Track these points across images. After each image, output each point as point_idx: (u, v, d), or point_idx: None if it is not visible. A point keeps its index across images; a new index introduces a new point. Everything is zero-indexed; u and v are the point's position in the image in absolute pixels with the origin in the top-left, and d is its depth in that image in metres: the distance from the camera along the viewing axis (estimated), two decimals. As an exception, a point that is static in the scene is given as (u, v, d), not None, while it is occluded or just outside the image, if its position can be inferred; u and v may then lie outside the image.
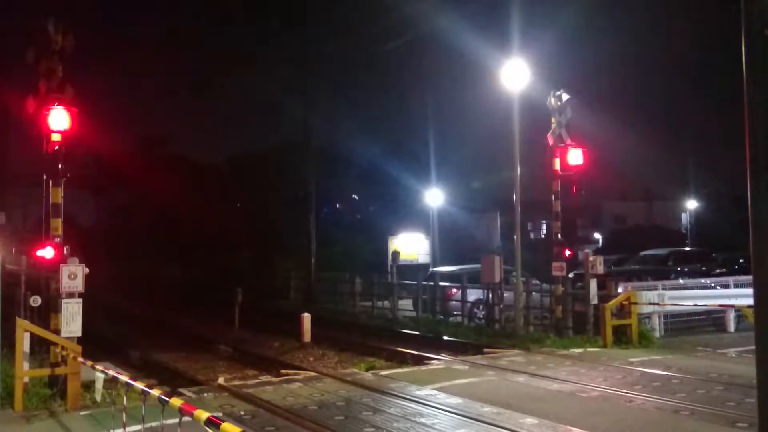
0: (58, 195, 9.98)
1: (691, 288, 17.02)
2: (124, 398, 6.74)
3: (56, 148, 9.86)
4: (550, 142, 14.99)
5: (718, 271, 24.27)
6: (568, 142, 14.84)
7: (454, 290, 20.18)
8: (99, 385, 8.82)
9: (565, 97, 15.12)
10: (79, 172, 10.14)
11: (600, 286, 14.79)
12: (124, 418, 6.58)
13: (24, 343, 8.92)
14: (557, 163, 14.84)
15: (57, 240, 9.89)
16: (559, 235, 15.14)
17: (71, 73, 10.24)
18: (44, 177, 10.01)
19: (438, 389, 9.61)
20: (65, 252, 9.88)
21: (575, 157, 14.72)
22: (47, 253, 9.83)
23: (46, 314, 10.13)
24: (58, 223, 9.97)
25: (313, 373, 11.55)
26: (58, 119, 9.77)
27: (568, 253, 15.16)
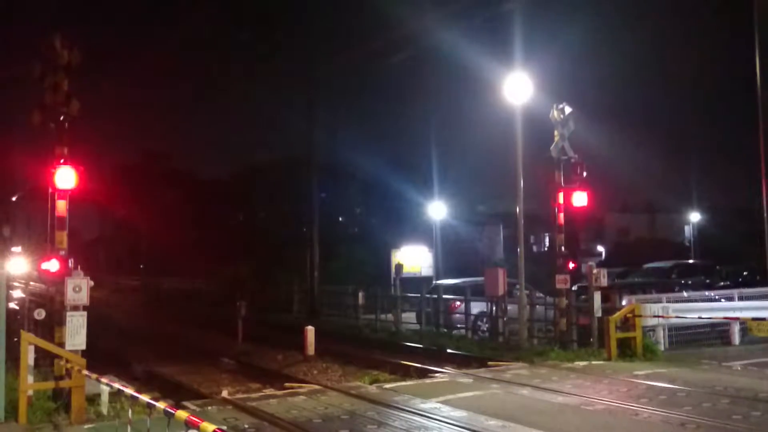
0: (63, 208, 10.02)
1: (696, 301, 16.97)
2: (129, 411, 6.73)
3: (62, 161, 9.93)
4: (554, 155, 15.03)
5: (722, 283, 24.21)
6: (571, 155, 14.87)
7: (458, 303, 20.14)
8: (104, 398, 8.82)
9: (567, 110, 15.18)
10: (84, 186, 10.15)
11: (604, 299, 14.76)
12: (129, 431, 6.58)
13: (29, 356, 8.92)
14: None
15: (62, 253, 9.92)
16: (563, 248, 15.13)
17: (77, 87, 10.34)
18: (50, 190, 10.06)
19: (442, 402, 9.58)
20: (70, 265, 9.90)
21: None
22: (52, 265, 9.85)
23: (50, 327, 10.14)
24: (63, 236, 10.01)
25: (317, 387, 11.52)
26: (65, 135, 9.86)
27: (571, 265, 15.14)
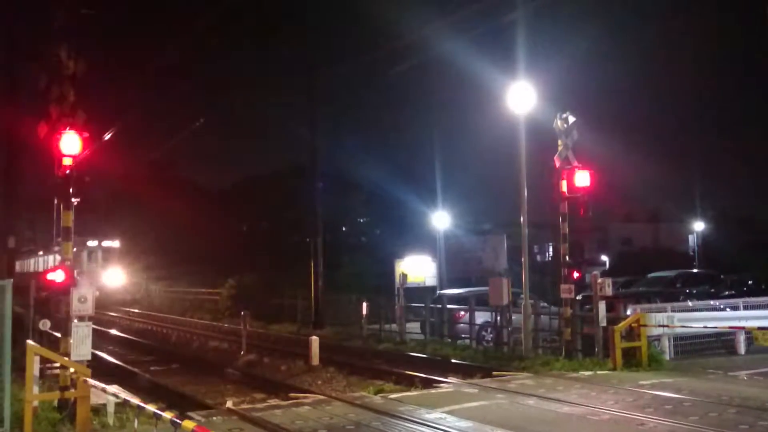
0: (69, 219, 10.05)
1: (701, 310, 16.92)
2: (135, 422, 6.73)
3: (68, 171, 9.97)
4: (557, 164, 15.03)
5: (726, 293, 24.13)
6: (575, 164, 14.88)
7: (462, 313, 20.11)
8: (110, 408, 8.80)
9: (571, 119, 15.19)
10: (89, 197, 10.20)
11: (608, 309, 14.73)
12: (135, 442, 6.58)
13: (34, 366, 8.92)
14: (564, 185, 14.86)
15: (68, 263, 9.94)
16: (567, 257, 15.10)
17: (83, 97, 10.38)
18: (55, 201, 10.10)
19: (448, 412, 9.56)
20: (75, 275, 9.92)
21: (582, 178, 14.73)
22: (57, 276, 9.86)
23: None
24: (68, 247, 10.04)
25: (322, 397, 11.49)
26: (70, 143, 9.89)
27: (576, 275, 15.11)
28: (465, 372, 14.69)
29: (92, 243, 41.50)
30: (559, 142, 15.09)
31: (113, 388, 8.88)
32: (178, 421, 5.20)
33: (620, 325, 13.70)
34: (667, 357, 14.80)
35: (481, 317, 19.26)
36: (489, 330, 19.12)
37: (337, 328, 24.85)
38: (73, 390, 9.11)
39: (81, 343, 9.48)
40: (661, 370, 13.13)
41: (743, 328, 15.21)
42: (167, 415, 5.58)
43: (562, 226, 15.04)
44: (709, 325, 15.44)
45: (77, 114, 10.13)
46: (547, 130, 15.41)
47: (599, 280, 14.62)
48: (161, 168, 54.73)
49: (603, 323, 14.33)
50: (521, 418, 9.12)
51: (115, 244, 42.91)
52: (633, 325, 13.74)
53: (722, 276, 27.54)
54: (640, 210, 61.46)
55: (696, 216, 51.50)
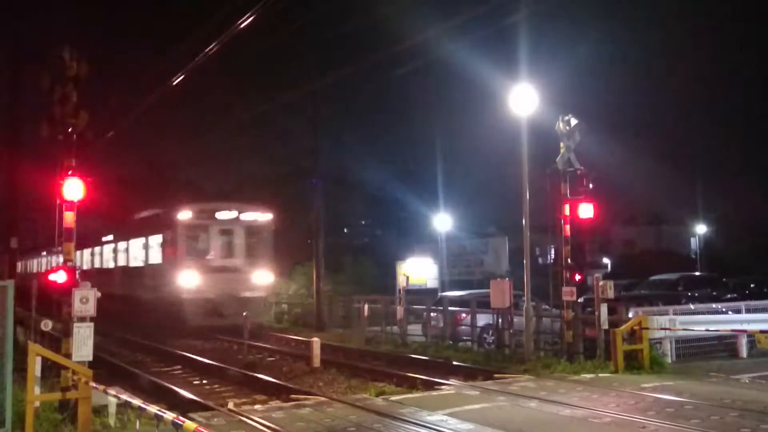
0: (70, 219, 10.06)
1: (703, 313, 16.90)
2: (137, 423, 6.73)
3: (69, 173, 9.99)
4: (559, 167, 15.04)
5: (728, 296, 24.10)
6: (577, 167, 14.87)
7: (464, 315, 20.10)
8: (112, 409, 8.81)
9: (573, 121, 15.18)
10: (92, 197, 10.22)
11: (610, 311, 14.72)
12: (136, 443, 6.57)
13: (35, 367, 8.92)
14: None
15: (69, 264, 9.94)
16: (569, 260, 15.09)
17: (84, 99, 10.40)
18: (57, 201, 10.11)
19: (449, 414, 9.56)
20: (77, 276, 9.93)
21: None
22: (59, 276, 9.87)
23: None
24: (70, 247, 10.04)
25: (323, 398, 11.49)
26: (72, 144, 9.92)
27: (578, 277, 15.10)
28: (466, 374, 14.68)
29: (226, 215, 24.92)
30: (561, 144, 15.09)
31: (115, 389, 8.88)
32: (179, 422, 5.20)
33: (622, 327, 13.69)
34: (668, 360, 14.78)
35: (483, 319, 19.25)
36: (490, 332, 19.10)
37: (339, 329, 24.84)
38: (74, 391, 9.11)
39: (83, 344, 9.48)
40: (663, 373, 13.13)
41: (745, 331, 15.19)
42: (168, 416, 5.58)
43: (564, 229, 15.04)
44: (711, 328, 15.41)
45: (80, 115, 10.15)
46: (550, 133, 15.41)
47: (601, 283, 14.60)
48: (161, 169, 54.72)
49: (605, 326, 14.32)
50: (522, 421, 9.11)
51: (266, 216, 25.89)
52: (635, 327, 13.73)
53: (724, 279, 27.50)
54: (643, 213, 61.43)
55: (698, 219, 51.49)
